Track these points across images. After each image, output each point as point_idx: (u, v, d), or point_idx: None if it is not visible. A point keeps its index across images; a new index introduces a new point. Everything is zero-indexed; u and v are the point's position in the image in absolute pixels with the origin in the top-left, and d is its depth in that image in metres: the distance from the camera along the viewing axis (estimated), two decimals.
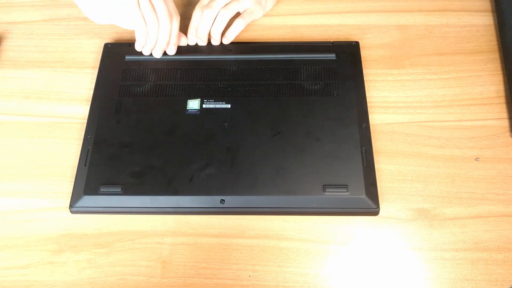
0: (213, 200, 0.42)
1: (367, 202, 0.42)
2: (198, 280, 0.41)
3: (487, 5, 0.56)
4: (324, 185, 0.42)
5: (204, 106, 0.47)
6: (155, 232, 0.43)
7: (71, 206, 0.43)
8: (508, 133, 0.48)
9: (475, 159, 0.46)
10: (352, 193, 0.42)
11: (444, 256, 0.42)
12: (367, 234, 0.43)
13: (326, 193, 0.42)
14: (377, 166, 0.46)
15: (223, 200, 0.42)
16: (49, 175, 0.46)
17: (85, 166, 0.44)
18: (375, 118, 0.49)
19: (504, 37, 0.52)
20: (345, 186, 0.42)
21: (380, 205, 0.43)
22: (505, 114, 0.49)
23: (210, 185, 0.43)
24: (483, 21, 0.55)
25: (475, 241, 0.42)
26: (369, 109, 0.48)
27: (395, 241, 0.43)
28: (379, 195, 0.43)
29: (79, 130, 0.49)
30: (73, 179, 0.44)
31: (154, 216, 0.44)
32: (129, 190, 0.43)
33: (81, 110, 0.50)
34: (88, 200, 0.43)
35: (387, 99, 0.50)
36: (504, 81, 0.51)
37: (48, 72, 0.53)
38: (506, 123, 0.48)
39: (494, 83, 0.51)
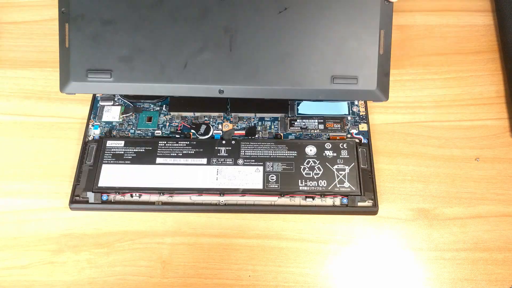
0: (211, 90, 0.39)
1: (378, 95, 0.39)
2: (198, 280, 0.41)
3: (487, 5, 0.56)
4: (332, 76, 0.39)
5: None
6: (155, 232, 0.43)
7: (62, 89, 0.40)
8: (508, 133, 0.48)
9: (475, 159, 0.46)
10: (362, 84, 0.39)
11: (444, 256, 0.42)
12: (367, 234, 0.43)
13: (335, 84, 0.39)
14: (377, 166, 0.46)
15: (222, 90, 0.39)
16: (49, 175, 0.46)
17: (66, 47, 0.40)
18: (375, 118, 0.49)
19: (504, 37, 0.52)
20: (355, 77, 0.39)
21: (379, 205, 0.43)
22: (505, 114, 0.49)
23: (207, 73, 0.39)
24: (483, 21, 0.55)
25: (475, 241, 0.42)
26: (369, 109, 0.48)
27: (395, 241, 0.43)
28: (378, 195, 0.44)
29: (79, 130, 0.49)
30: (73, 179, 0.44)
31: (154, 216, 0.44)
32: (119, 76, 0.39)
33: (81, 110, 0.50)
34: (77, 87, 0.40)
35: None
36: (504, 81, 0.51)
37: (48, 72, 0.53)
38: (506, 123, 0.48)
39: (494, 83, 0.51)
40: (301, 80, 0.38)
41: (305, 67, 0.39)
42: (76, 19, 0.40)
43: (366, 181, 0.44)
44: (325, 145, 0.45)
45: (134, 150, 0.45)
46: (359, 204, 0.43)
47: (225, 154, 0.45)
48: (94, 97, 0.50)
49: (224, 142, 0.46)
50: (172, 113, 0.48)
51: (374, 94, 0.39)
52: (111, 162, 0.45)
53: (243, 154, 0.45)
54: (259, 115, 0.48)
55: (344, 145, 0.45)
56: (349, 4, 0.39)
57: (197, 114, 0.48)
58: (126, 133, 0.48)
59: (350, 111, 0.48)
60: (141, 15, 0.40)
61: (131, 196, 0.44)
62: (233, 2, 0.39)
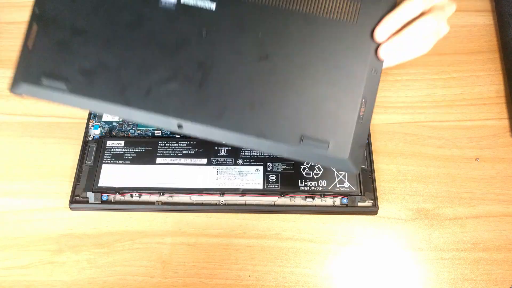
0: (169, 122, 0.36)
1: (348, 166, 0.36)
2: (198, 280, 0.41)
3: (487, 5, 0.56)
4: (302, 136, 0.36)
5: (182, 0, 0.37)
6: (155, 232, 0.43)
7: (12, 87, 0.38)
8: (508, 133, 0.48)
9: (475, 159, 0.46)
10: (333, 151, 0.35)
11: (444, 256, 0.42)
12: (367, 234, 0.43)
13: (303, 145, 0.35)
14: (377, 166, 0.46)
15: (181, 125, 0.36)
16: (49, 175, 0.46)
17: (28, 47, 0.38)
18: (375, 118, 0.49)
19: (504, 37, 0.52)
20: (326, 142, 0.35)
21: (379, 205, 0.43)
22: (505, 114, 0.49)
23: (169, 104, 0.36)
24: (483, 21, 0.55)
25: (475, 241, 0.42)
26: None
27: (395, 241, 0.43)
28: (378, 195, 0.44)
29: (79, 130, 0.48)
30: (73, 179, 0.44)
31: (154, 216, 0.44)
32: (75, 88, 0.36)
33: (81, 110, 0.50)
34: (27, 89, 0.37)
35: (387, 99, 0.50)
36: (504, 81, 0.51)
37: None
38: (506, 123, 0.48)
39: (494, 83, 0.51)
40: (268, 133, 0.36)
41: (274, 120, 0.35)
42: (46, 22, 0.38)
43: (366, 181, 0.44)
44: None
45: (134, 150, 0.46)
46: (359, 204, 0.43)
47: (225, 154, 0.45)
48: None
49: (224, 142, 0.46)
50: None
51: (344, 164, 0.36)
52: (111, 162, 0.45)
53: (243, 154, 0.45)
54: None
55: None
56: (335, 65, 0.37)
57: None
58: (126, 133, 0.48)
59: None
60: (116, 31, 0.37)
61: (131, 196, 0.44)
62: (214, 39, 0.37)
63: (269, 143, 0.36)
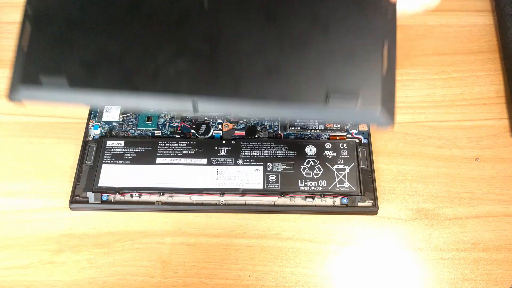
0: (182, 103, 0.33)
1: (383, 117, 0.34)
2: (198, 280, 0.41)
3: (487, 5, 0.56)
4: (328, 91, 0.33)
5: None
6: (155, 232, 0.43)
7: (10, 94, 0.34)
8: (508, 133, 0.48)
9: (475, 159, 0.46)
10: (364, 103, 0.33)
11: (444, 256, 0.42)
12: (367, 234, 0.43)
13: (330, 102, 0.33)
14: (377, 166, 0.46)
15: (196, 104, 0.33)
16: (49, 175, 0.46)
17: (23, 48, 0.35)
18: None
19: (504, 37, 0.52)
20: (354, 93, 0.33)
21: (379, 205, 0.43)
22: (505, 114, 0.49)
23: (181, 83, 0.33)
24: (483, 21, 0.55)
25: (475, 241, 0.42)
26: None
27: (395, 241, 0.43)
28: (378, 195, 0.44)
29: (79, 130, 0.48)
30: (73, 179, 0.44)
31: (154, 216, 0.44)
32: (77, 82, 0.33)
33: (81, 110, 0.50)
34: (27, 93, 0.34)
35: None
36: (504, 81, 0.51)
37: None
38: (506, 123, 0.48)
39: (494, 83, 0.51)
40: (290, 95, 0.33)
41: (294, 80, 0.33)
42: (40, 19, 0.35)
43: (366, 181, 0.44)
44: (325, 145, 0.45)
45: (134, 150, 0.46)
46: (359, 204, 0.43)
47: (225, 154, 0.45)
48: None
49: (224, 142, 0.46)
50: (172, 113, 0.48)
51: (378, 115, 0.34)
52: (111, 162, 0.45)
53: (243, 154, 0.45)
54: None
55: (344, 145, 0.45)
56: (345, 12, 0.34)
57: (197, 114, 0.48)
58: (126, 133, 0.48)
59: None
60: (114, 17, 0.35)
61: (131, 196, 0.44)
62: (218, 8, 0.35)
63: (293, 107, 0.33)
